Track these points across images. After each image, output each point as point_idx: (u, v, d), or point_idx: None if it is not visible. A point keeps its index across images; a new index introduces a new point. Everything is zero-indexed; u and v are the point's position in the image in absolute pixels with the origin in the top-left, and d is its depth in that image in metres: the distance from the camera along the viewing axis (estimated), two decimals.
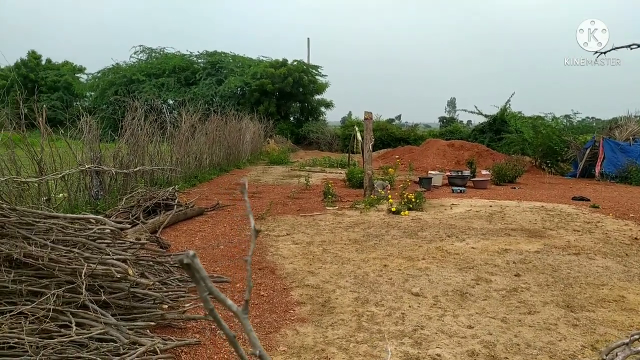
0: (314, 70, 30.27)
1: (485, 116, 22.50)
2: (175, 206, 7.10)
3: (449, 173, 12.61)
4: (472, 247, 5.81)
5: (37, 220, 3.15)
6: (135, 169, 8.23)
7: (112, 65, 30.98)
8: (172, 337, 3.11)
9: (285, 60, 28.95)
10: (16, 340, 2.43)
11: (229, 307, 0.58)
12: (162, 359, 2.71)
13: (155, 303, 3.37)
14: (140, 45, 31.91)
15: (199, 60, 31.04)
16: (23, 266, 2.96)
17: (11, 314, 2.62)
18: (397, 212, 7.88)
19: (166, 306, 3.37)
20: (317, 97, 31.15)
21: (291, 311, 3.81)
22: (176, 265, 4.47)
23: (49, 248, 2.92)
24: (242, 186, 0.56)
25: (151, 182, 9.05)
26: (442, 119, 39.51)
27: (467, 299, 4.11)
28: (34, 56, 35.44)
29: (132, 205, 6.75)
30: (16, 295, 2.84)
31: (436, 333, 3.42)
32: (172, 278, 4.02)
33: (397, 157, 17.87)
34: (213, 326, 3.43)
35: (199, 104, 13.55)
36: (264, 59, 30.91)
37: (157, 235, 5.61)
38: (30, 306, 2.62)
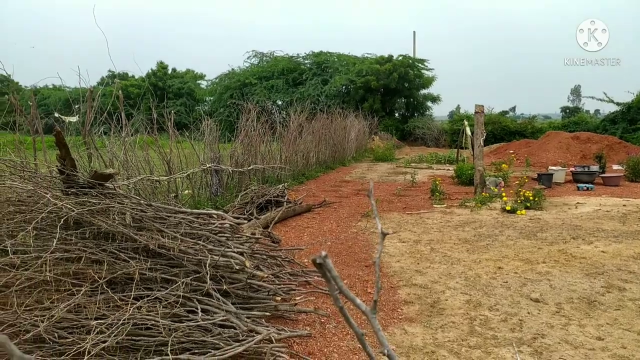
0: (419, 65, 29.54)
1: (618, 104, 20.03)
2: (285, 203, 7.42)
3: (573, 168, 11.48)
4: (602, 251, 5.23)
5: (169, 215, 3.52)
6: (248, 168, 8.77)
7: (228, 70, 33.39)
8: (284, 327, 3.27)
9: (390, 56, 28.66)
10: (153, 322, 2.74)
11: (358, 305, 0.59)
12: (276, 348, 2.86)
13: (269, 294, 3.56)
14: (252, 50, 33.98)
15: (306, 61, 32.04)
16: (157, 256, 3.32)
17: (148, 298, 2.95)
18: (513, 211, 7.38)
19: (279, 298, 3.55)
20: (423, 91, 30.35)
21: (399, 310, 3.77)
22: (287, 259, 4.69)
23: (179, 240, 3.24)
24: (369, 191, 0.57)
25: (263, 180, 9.58)
26: (564, 109, 36.00)
27: (596, 307, 3.71)
28: (161, 66, 39.46)
29: (246, 201, 7.20)
30: (151, 282, 3.20)
31: (559, 343, 3.14)
32: (283, 272, 4.21)
33: (511, 151, 16.74)
34: (322, 320, 3.53)
35: (306, 104, 14.01)
36: (369, 55, 30.94)
37: (269, 230, 5.92)
38: (164, 292, 2.94)
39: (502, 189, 9.03)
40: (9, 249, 2.50)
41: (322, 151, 14.37)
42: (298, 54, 32.49)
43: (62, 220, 2.75)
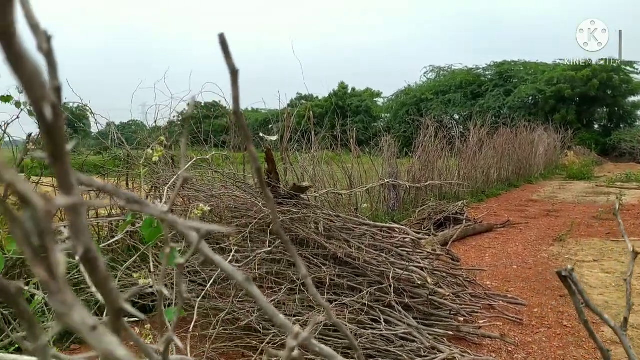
0: (627, 68, 25.46)
1: None
2: (464, 221, 7.15)
3: None
4: None
5: (355, 226, 3.74)
6: (425, 184, 8.72)
7: (404, 87, 33.86)
8: (468, 350, 3.15)
9: (588, 61, 25.35)
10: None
11: (606, 321, 0.58)
12: None
13: (451, 314, 3.48)
14: (430, 65, 33.89)
15: (486, 73, 30.50)
16: (343, 264, 3.55)
17: (336, 302, 3.18)
18: None
19: (461, 318, 3.44)
20: (632, 98, 26.02)
21: None
22: (468, 280, 4.50)
23: (364, 251, 3.42)
24: (615, 209, 0.56)
25: (440, 196, 9.39)
26: None
27: None
28: (342, 86, 42.05)
29: (424, 217, 7.16)
30: (338, 288, 3.43)
31: None
32: (465, 292, 4.07)
33: None
34: (510, 348, 3.30)
35: (487, 117, 13.30)
36: (561, 62, 27.89)
37: (448, 248, 5.77)
38: (350, 299, 3.13)
39: None
40: (232, 247, 2.99)
41: (504, 167, 13.44)
42: (477, 66, 31.16)
43: (270, 226, 3.17)
